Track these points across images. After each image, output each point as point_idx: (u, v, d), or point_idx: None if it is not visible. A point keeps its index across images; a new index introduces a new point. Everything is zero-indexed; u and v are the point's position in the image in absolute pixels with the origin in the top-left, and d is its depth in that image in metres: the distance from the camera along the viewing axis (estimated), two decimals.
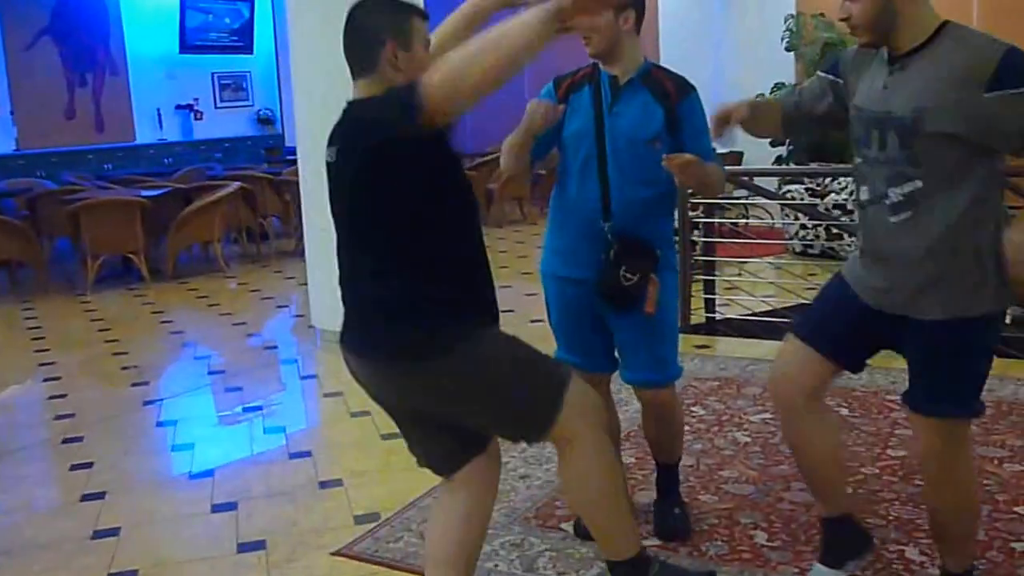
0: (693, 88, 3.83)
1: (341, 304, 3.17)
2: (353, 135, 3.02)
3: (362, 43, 3.03)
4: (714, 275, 7.78)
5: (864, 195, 3.18)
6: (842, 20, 3.09)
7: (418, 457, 3.33)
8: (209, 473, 5.23)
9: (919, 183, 3.00)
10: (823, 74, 3.40)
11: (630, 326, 3.88)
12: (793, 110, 3.48)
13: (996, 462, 4.78)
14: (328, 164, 3.11)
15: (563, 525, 4.31)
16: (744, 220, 10.75)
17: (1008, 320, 7.08)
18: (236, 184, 11.92)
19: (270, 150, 17.12)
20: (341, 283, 3.18)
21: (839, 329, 3.34)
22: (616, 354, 4.05)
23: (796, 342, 3.41)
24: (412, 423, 3.25)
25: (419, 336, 2.97)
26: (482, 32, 2.87)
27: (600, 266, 3.78)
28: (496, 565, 3.99)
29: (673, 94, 3.77)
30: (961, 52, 2.92)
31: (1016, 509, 4.29)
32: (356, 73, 3.07)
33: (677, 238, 4.04)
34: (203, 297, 10.31)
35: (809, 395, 3.39)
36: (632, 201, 3.76)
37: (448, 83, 2.74)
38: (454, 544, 3.27)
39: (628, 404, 5.61)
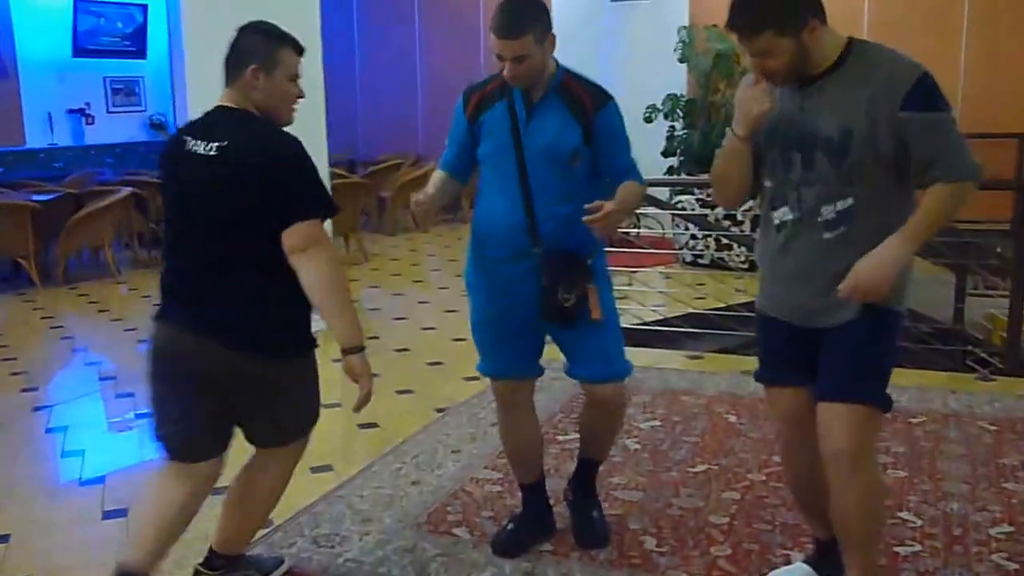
0: (610, 97, 3.78)
1: None
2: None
3: (234, 59, 3.47)
4: None
5: (787, 215, 3.19)
6: (760, 73, 3.10)
7: (173, 436, 3.52)
8: (100, 480, 5.17)
9: (851, 200, 3.07)
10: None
11: (574, 333, 3.87)
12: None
13: (880, 468, 4.90)
14: (207, 156, 3.38)
15: (455, 530, 4.35)
16: (635, 230, 10.88)
17: None
18: (128, 189, 11.79)
19: None
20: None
21: (789, 359, 3.38)
22: (540, 354, 4.07)
23: (770, 390, 3.51)
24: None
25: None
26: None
27: (538, 294, 3.77)
28: (388, 570, 4.02)
29: (590, 107, 3.72)
30: (880, 69, 2.99)
31: (900, 514, 4.42)
32: (226, 82, 3.49)
33: None
34: (94, 303, 10.17)
35: (812, 429, 3.36)
36: (557, 218, 3.74)
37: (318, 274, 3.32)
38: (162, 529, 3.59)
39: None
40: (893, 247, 3.02)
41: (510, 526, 4.24)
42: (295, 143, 3.38)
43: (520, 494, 4.31)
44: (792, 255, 3.22)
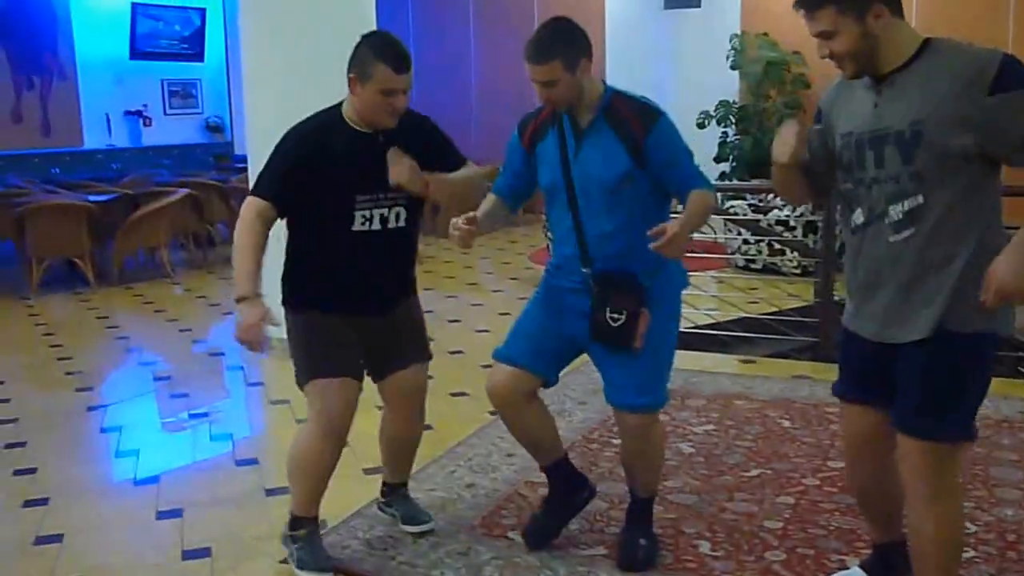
0: (659, 114, 3.70)
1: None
2: None
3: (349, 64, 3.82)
4: None
5: (859, 218, 3.12)
6: (823, 58, 3.06)
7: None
8: (154, 479, 5.21)
9: (920, 199, 2.95)
10: (815, 127, 3.35)
11: (618, 356, 3.81)
12: (811, 174, 3.36)
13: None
14: None
15: (510, 534, 4.35)
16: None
17: None
18: (184, 190, 11.91)
19: (219, 157, 17.07)
20: None
21: (864, 375, 3.31)
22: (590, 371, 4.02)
23: (843, 404, 3.45)
24: None
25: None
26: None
27: (587, 311, 3.77)
28: (442, 573, 4.02)
29: (639, 131, 3.65)
30: (957, 61, 2.90)
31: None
32: None
33: None
34: (149, 303, 10.27)
35: (884, 448, 3.35)
36: (611, 242, 3.73)
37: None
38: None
39: (571, 415, 5.68)
40: (1019, 244, 2.85)
41: (539, 512, 4.26)
42: (291, 132, 3.93)
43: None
44: (864, 261, 3.14)
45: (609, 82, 3.85)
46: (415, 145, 3.90)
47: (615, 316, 3.71)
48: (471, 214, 3.80)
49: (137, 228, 11.14)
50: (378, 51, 3.71)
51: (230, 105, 17.55)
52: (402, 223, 3.97)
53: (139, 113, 16.42)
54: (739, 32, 13.97)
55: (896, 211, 3.01)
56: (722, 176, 13.36)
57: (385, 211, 3.91)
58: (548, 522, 4.22)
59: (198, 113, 17.54)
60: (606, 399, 3.95)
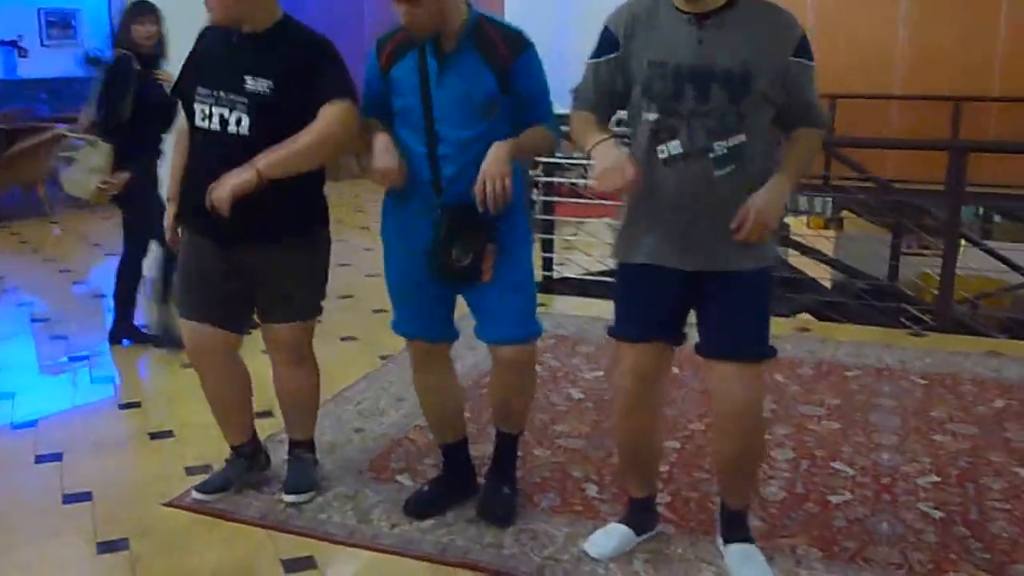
0: (528, 44, 3.59)
1: None
2: None
3: None
4: (552, 234, 7.86)
5: (676, 150, 3.18)
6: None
7: None
8: (32, 423, 5.10)
9: (743, 137, 3.14)
10: (603, 58, 3.35)
11: (478, 292, 3.73)
12: (611, 115, 3.54)
13: (816, 420, 5.00)
14: None
15: (398, 477, 4.34)
16: (583, 180, 10.86)
17: (829, 286, 7.37)
18: (62, 126, 11.57)
19: None
20: None
21: (660, 313, 3.42)
22: (454, 317, 3.95)
23: (628, 346, 3.50)
24: None
25: None
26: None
27: (431, 247, 3.63)
28: (329, 516, 4.00)
29: (506, 54, 3.53)
30: (775, 17, 3.16)
31: (833, 464, 4.50)
32: None
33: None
34: (25, 242, 10.04)
35: (658, 388, 3.61)
36: (467, 171, 3.55)
37: None
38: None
39: (463, 359, 5.66)
40: (781, 185, 3.20)
41: (426, 488, 4.15)
42: None
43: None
44: (683, 193, 3.21)
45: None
46: (279, 60, 3.68)
47: (461, 256, 3.60)
48: (388, 154, 3.60)
49: (13, 164, 10.86)
50: None
51: (111, 37, 17.11)
52: (244, 131, 3.66)
53: (13, 44, 15.90)
54: None
55: (720, 147, 3.15)
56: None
57: (225, 111, 3.67)
58: (432, 501, 4.08)
59: (77, 45, 17.07)
60: (478, 337, 3.84)
